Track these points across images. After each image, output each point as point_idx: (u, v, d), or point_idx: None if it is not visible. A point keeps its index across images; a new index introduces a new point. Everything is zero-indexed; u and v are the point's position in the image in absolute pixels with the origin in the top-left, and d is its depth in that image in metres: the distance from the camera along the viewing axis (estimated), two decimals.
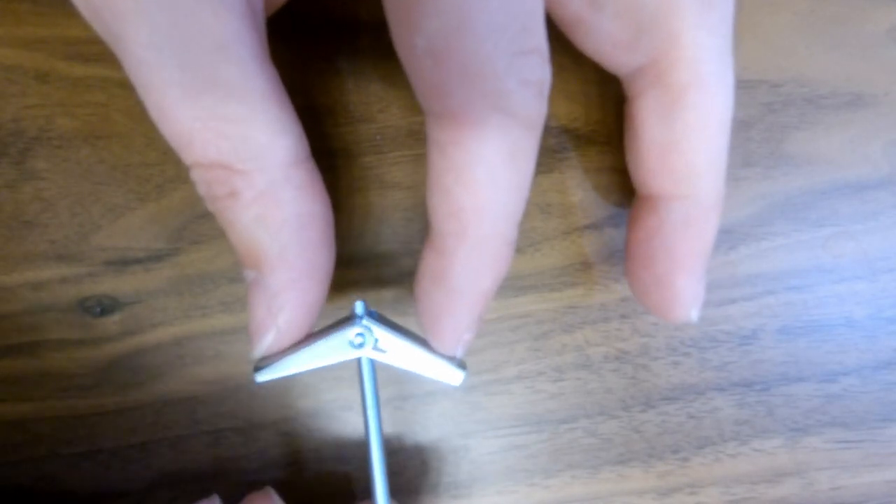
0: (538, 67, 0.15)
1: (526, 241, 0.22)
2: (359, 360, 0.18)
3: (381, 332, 0.18)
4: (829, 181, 0.23)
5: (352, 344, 0.17)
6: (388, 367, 0.18)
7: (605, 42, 0.17)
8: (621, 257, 0.22)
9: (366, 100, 0.21)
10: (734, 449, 0.23)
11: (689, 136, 0.18)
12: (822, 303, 0.23)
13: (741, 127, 0.22)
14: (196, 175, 0.16)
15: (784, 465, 0.23)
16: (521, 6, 0.14)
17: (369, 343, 0.17)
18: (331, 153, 0.21)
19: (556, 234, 0.22)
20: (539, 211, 0.22)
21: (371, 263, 0.21)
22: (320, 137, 0.21)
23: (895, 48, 0.23)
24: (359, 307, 0.18)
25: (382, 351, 0.18)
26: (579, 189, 0.22)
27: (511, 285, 0.22)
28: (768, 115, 0.22)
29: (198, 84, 0.14)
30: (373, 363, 0.18)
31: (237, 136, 0.15)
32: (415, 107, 0.21)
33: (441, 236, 0.16)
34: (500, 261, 0.17)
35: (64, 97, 0.20)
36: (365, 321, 0.17)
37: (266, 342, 0.17)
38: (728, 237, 0.22)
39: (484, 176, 0.15)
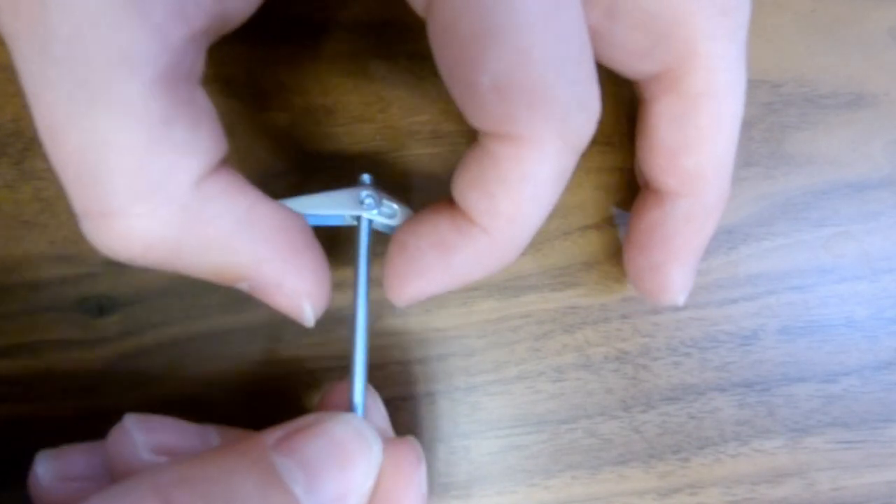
0: (595, 94, 0.15)
1: None
2: (360, 220, 0.18)
3: (385, 200, 0.18)
4: (829, 181, 0.23)
5: (361, 202, 0.18)
6: (387, 365, 0.17)
7: (621, 52, 0.18)
8: (622, 258, 0.22)
9: (366, 100, 0.21)
10: (735, 449, 0.23)
11: (699, 140, 0.18)
12: (823, 303, 0.23)
13: (742, 127, 0.22)
14: (94, 234, 0.14)
15: (785, 466, 0.23)
16: (576, 34, 0.14)
17: (376, 205, 0.18)
18: (331, 153, 0.21)
19: (556, 234, 0.22)
20: None
21: None
22: (320, 137, 0.21)
23: (895, 48, 0.23)
24: (366, 178, 0.19)
25: (388, 213, 0.18)
26: (579, 189, 0.22)
27: (511, 285, 0.22)
28: (769, 115, 0.22)
29: (91, 101, 0.13)
30: (370, 229, 0.18)
31: (134, 167, 0.13)
32: (415, 107, 0.21)
33: (464, 219, 0.16)
34: (499, 264, 0.17)
35: None
36: (372, 190, 0.18)
37: (308, 313, 0.17)
38: (729, 237, 0.22)
39: (530, 192, 0.15)
